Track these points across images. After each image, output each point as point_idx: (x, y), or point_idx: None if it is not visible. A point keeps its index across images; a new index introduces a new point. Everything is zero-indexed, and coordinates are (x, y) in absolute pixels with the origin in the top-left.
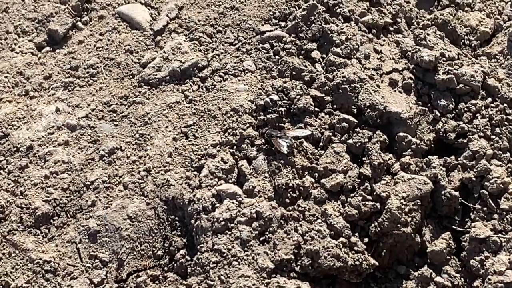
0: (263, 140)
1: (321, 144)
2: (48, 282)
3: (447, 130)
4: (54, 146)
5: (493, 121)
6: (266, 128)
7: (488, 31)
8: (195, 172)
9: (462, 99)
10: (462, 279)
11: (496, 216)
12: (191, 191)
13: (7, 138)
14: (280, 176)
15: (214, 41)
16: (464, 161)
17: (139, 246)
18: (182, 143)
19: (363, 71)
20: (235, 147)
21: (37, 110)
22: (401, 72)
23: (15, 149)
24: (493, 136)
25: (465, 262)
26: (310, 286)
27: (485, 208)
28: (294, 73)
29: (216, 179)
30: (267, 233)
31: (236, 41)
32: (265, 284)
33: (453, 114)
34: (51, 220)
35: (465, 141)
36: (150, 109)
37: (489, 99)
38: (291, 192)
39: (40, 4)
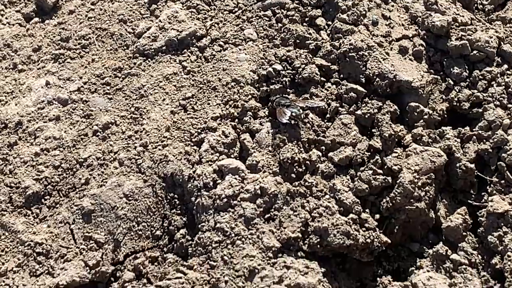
0: (268, 110)
1: (328, 115)
2: (40, 265)
3: (461, 99)
4: (44, 122)
5: (510, 89)
6: (276, 96)
7: None
8: (195, 147)
9: (476, 66)
10: (479, 256)
11: None
12: (191, 167)
13: None
14: (285, 150)
15: (212, 9)
16: (480, 131)
17: (136, 226)
18: (180, 116)
19: (371, 38)
20: (236, 120)
21: (26, 84)
22: (411, 38)
23: (3, 125)
24: (510, 105)
25: (482, 238)
26: (318, 266)
27: (502, 181)
28: (298, 41)
29: (217, 154)
30: (273, 210)
31: (236, 9)
32: (271, 264)
33: (467, 83)
34: (43, 200)
35: (480, 110)
36: (146, 81)
37: (505, 66)
38: (297, 167)
39: None
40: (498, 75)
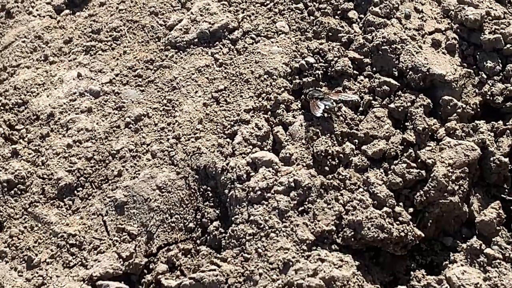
0: (301, 103)
1: (361, 108)
2: (74, 256)
3: (494, 93)
4: (76, 114)
5: None
6: (309, 89)
7: None
8: (228, 139)
9: (509, 60)
10: None
11: None
12: (224, 159)
13: (26, 106)
14: (318, 143)
15: (244, 1)
16: None
17: (169, 218)
18: (213, 108)
19: (404, 32)
20: (269, 113)
21: (57, 76)
22: (444, 32)
23: (35, 117)
24: None
25: None
26: (352, 259)
27: None
28: (330, 34)
29: (251, 147)
30: (306, 203)
31: (268, 1)
32: (305, 257)
33: (500, 76)
34: (75, 191)
35: None
36: (178, 74)
37: None
38: (330, 160)
39: None
40: None
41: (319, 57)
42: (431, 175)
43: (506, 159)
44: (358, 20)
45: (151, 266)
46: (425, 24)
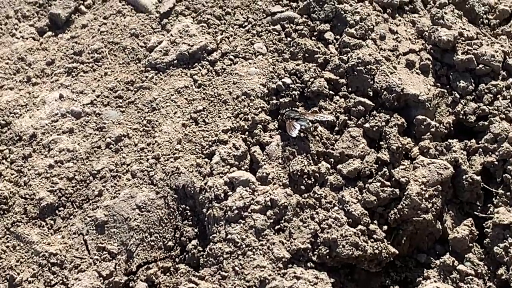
0: (278, 123)
1: (336, 128)
2: (55, 275)
3: (467, 112)
4: (58, 134)
5: None
6: (286, 109)
7: (507, 10)
8: (206, 159)
9: (482, 80)
10: (485, 267)
11: None
12: (202, 179)
13: (9, 127)
14: (294, 162)
15: (223, 23)
16: (486, 144)
17: (148, 237)
18: (192, 129)
19: (379, 52)
20: (247, 133)
21: (39, 97)
22: (418, 53)
23: (17, 137)
24: None
25: (488, 250)
26: (328, 276)
27: (508, 193)
28: (307, 55)
29: (228, 166)
30: (283, 221)
31: (246, 23)
32: (281, 275)
33: (473, 96)
34: (57, 211)
35: (486, 123)
36: (158, 95)
37: (510, 80)
38: (306, 179)
39: None
40: (504, 89)
41: (296, 77)
42: (405, 193)
43: (478, 177)
44: (334, 41)
45: (130, 284)
46: (399, 45)
